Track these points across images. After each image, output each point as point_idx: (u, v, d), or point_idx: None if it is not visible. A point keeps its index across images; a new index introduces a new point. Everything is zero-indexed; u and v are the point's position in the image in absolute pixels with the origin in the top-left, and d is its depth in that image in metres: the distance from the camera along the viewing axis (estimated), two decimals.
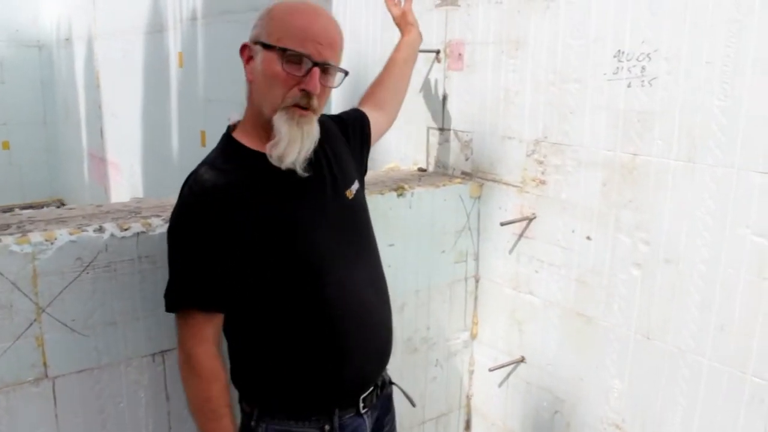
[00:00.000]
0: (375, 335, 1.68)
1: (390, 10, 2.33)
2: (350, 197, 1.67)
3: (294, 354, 1.56)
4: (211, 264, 1.47)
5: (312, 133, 1.52)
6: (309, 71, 1.47)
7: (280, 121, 1.48)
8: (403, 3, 2.32)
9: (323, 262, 1.57)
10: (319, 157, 1.62)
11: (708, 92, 1.77)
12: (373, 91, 2.10)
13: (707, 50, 1.76)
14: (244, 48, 1.56)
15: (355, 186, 1.71)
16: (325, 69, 1.50)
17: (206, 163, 1.54)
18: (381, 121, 2.02)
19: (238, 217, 1.47)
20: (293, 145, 1.48)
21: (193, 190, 1.49)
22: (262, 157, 1.52)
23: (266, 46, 1.49)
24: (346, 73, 1.57)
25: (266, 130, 1.52)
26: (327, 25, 1.52)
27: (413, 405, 1.91)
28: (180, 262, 1.50)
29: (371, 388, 1.68)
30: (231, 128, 1.63)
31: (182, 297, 1.50)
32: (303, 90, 1.47)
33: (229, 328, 1.59)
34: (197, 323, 1.50)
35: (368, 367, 1.67)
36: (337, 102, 3.19)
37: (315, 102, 1.50)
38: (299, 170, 1.52)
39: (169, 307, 1.52)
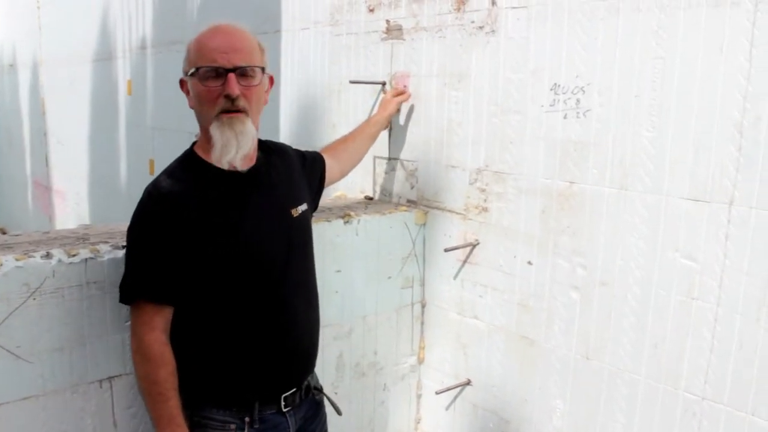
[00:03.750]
0: (299, 341, 1.82)
1: (385, 94, 2.64)
2: (294, 215, 1.82)
3: (221, 348, 1.71)
4: (162, 261, 1.63)
5: (245, 131, 1.66)
6: (226, 79, 1.63)
7: (213, 129, 1.66)
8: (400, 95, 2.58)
9: (259, 266, 1.72)
10: (270, 174, 1.81)
11: (637, 124, 1.88)
12: (336, 147, 2.37)
13: (636, 85, 1.87)
14: (182, 83, 1.76)
15: (303, 207, 1.87)
16: (242, 72, 1.65)
17: (166, 172, 1.72)
18: (335, 171, 2.25)
19: (188, 221, 1.63)
20: (228, 145, 1.65)
21: (152, 195, 1.66)
22: (215, 168, 1.69)
23: (190, 74, 1.68)
24: (263, 69, 1.72)
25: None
26: (229, 36, 1.68)
27: (339, 414, 2.03)
28: (135, 258, 1.66)
29: (294, 390, 1.80)
30: (194, 143, 1.79)
31: (134, 289, 1.65)
32: (226, 96, 1.63)
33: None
34: (147, 313, 1.64)
35: (291, 369, 1.81)
36: (284, 124, 3.26)
37: (241, 103, 1.65)
38: (239, 167, 1.69)
39: (122, 299, 1.67)
